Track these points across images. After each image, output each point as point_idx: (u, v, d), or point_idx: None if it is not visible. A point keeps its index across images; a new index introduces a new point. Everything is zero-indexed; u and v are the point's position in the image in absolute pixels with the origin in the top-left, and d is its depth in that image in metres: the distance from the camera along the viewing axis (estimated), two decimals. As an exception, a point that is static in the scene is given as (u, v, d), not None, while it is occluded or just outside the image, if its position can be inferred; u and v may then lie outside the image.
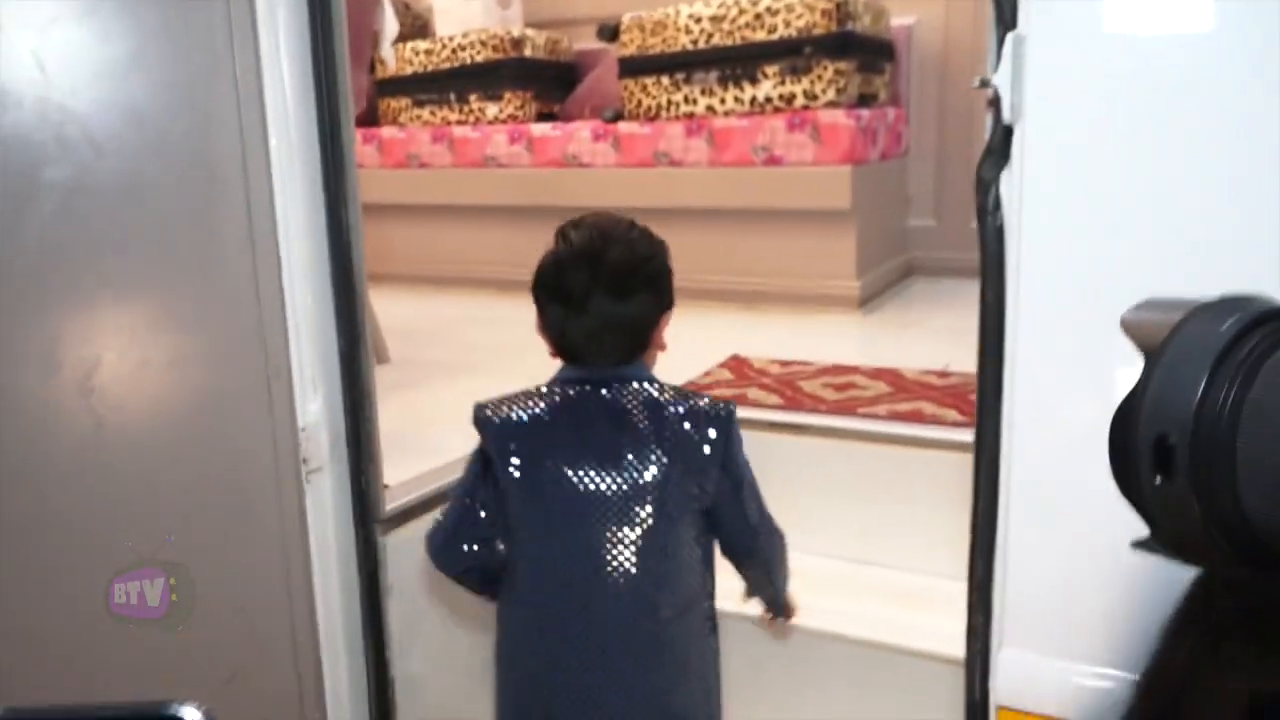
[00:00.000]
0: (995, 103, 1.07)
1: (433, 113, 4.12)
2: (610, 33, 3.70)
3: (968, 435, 1.18)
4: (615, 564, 1.23)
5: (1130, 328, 0.32)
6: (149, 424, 1.30)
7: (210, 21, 1.30)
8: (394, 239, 4.03)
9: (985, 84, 1.07)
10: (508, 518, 1.28)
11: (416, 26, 4.59)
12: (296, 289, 1.45)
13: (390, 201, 3.97)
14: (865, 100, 3.37)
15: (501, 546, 1.30)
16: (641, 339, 1.28)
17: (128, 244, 1.25)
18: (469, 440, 1.33)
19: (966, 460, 1.13)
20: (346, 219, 1.51)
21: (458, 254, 4.00)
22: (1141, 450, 0.35)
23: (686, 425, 1.24)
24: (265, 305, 1.41)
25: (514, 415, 1.27)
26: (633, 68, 3.58)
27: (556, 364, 1.34)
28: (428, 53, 4.09)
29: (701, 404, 1.27)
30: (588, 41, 4.16)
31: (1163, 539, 0.36)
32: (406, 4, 4.59)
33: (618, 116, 3.63)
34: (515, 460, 1.25)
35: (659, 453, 1.23)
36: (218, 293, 1.37)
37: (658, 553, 1.24)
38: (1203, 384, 0.34)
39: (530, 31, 4.06)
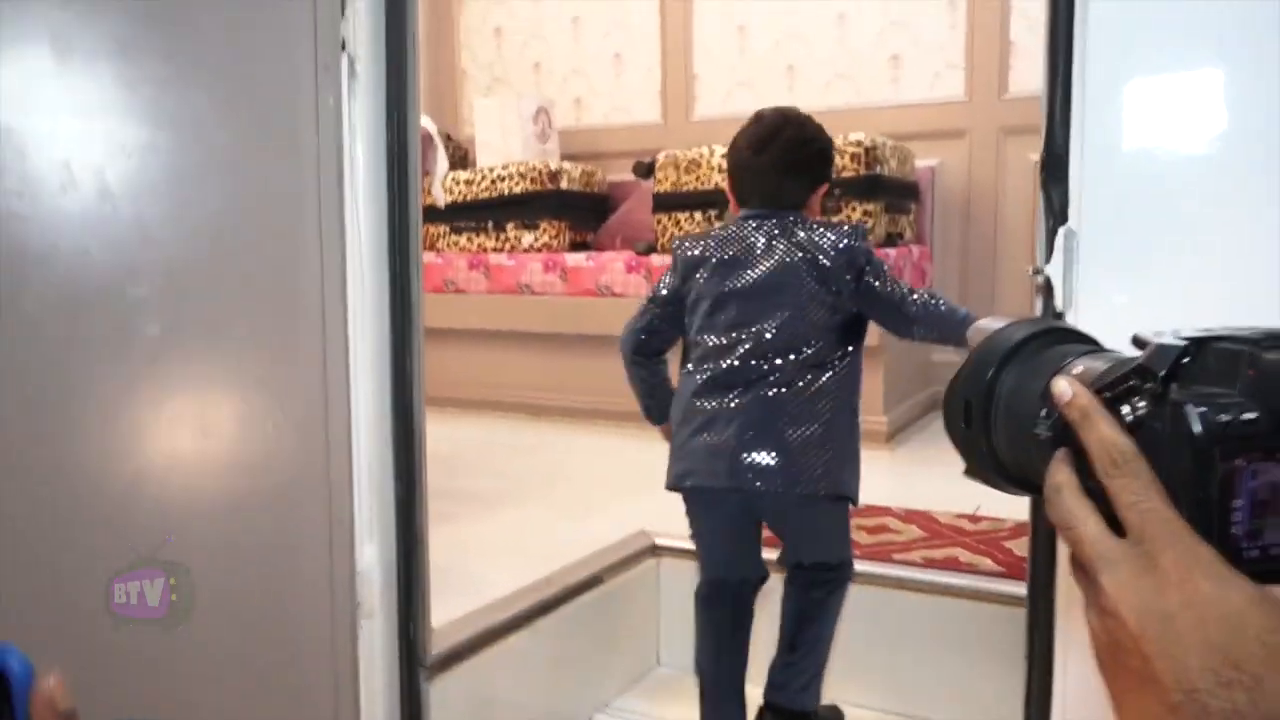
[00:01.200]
0: (1047, 290, 1.13)
1: (470, 239, 4.24)
2: (646, 169, 3.84)
3: (1005, 585, 1.19)
4: None
5: (969, 334, 0.55)
6: (214, 578, 1.32)
7: (300, 176, 1.38)
8: (428, 361, 4.09)
9: (1038, 273, 1.13)
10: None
11: (457, 156, 4.78)
12: (361, 437, 1.50)
13: (425, 325, 4.05)
14: (891, 239, 3.47)
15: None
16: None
17: (204, 385, 1.29)
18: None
19: (1006, 611, 1.15)
20: (410, 369, 1.56)
21: (490, 378, 4.06)
22: (955, 408, 0.52)
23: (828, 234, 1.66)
24: (333, 453, 1.45)
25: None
26: (666, 203, 3.71)
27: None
28: (468, 183, 4.23)
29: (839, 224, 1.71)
30: (621, 174, 4.31)
31: (970, 471, 0.53)
32: (449, 135, 4.79)
33: (650, 249, 3.73)
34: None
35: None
36: (287, 439, 1.41)
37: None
38: (991, 369, 0.51)
39: (567, 164, 4.22)
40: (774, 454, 1.60)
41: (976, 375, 0.52)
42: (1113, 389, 0.46)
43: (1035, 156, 3.40)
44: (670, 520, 1.89)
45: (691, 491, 1.70)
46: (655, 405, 1.86)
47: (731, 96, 4.25)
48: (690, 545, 1.80)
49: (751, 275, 1.66)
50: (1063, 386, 0.47)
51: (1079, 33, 1.05)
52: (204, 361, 1.30)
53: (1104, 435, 0.44)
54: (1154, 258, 1.05)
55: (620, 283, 3.75)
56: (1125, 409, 0.45)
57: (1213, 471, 0.42)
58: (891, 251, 3.34)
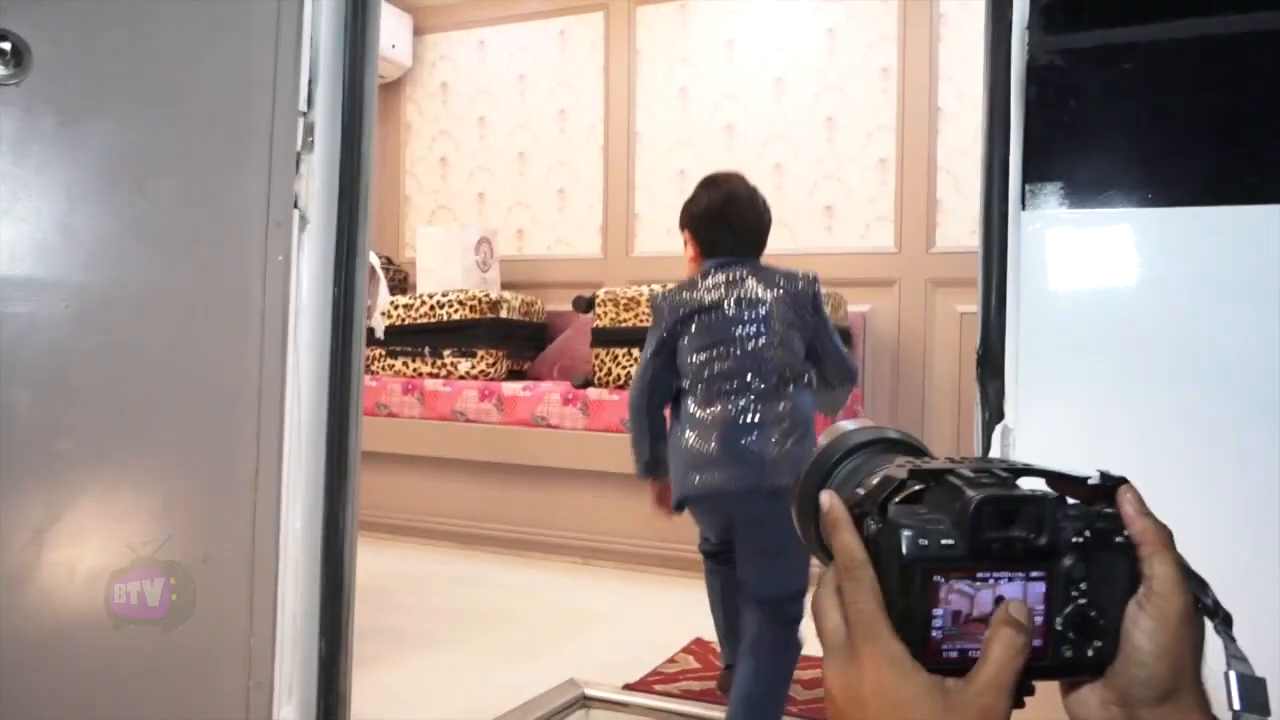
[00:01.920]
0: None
1: (406, 364, 4.21)
2: (586, 304, 3.88)
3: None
4: None
5: (824, 434, 0.61)
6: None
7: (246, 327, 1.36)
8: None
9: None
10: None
11: (397, 280, 4.79)
12: (288, 599, 1.44)
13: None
14: (825, 383, 3.53)
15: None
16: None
17: (126, 520, 1.24)
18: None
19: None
20: (344, 527, 1.52)
21: (421, 505, 3.98)
22: (799, 492, 0.60)
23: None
24: (257, 617, 1.39)
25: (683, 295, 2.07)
26: (605, 338, 3.74)
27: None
28: (407, 307, 4.23)
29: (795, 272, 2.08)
30: (561, 304, 4.36)
31: (806, 547, 0.60)
32: (389, 259, 4.80)
33: (587, 383, 3.74)
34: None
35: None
36: (210, 607, 1.35)
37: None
38: (828, 464, 0.60)
39: (507, 294, 4.26)
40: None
41: (815, 468, 0.60)
42: (861, 505, 0.54)
43: (961, 308, 3.49)
44: (602, 668, 1.86)
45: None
46: (654, 459, 2.11)
47: (671, 235, 4.36)
48: (619, 696, 1.83)
49: (740, 311, 1.99)
50: (823, 500, 0.55)
51: (1013, 233, 1.11)
52: (130, 491, 1.25)
53: (843, 544, 0.53)
54: (1074, 395, 1.08)
55: (556, 414, 3.74)
56: (868, 523, 0.52)
57: (914, 584, 0.49)
58: (824, 395, 3.40)
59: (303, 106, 1.45)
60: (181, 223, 1.28)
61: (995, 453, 1.10)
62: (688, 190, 2.22)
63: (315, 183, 1.48)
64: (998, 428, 1.09)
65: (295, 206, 1.43)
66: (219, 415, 1.34)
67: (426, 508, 3.97)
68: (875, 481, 0.54)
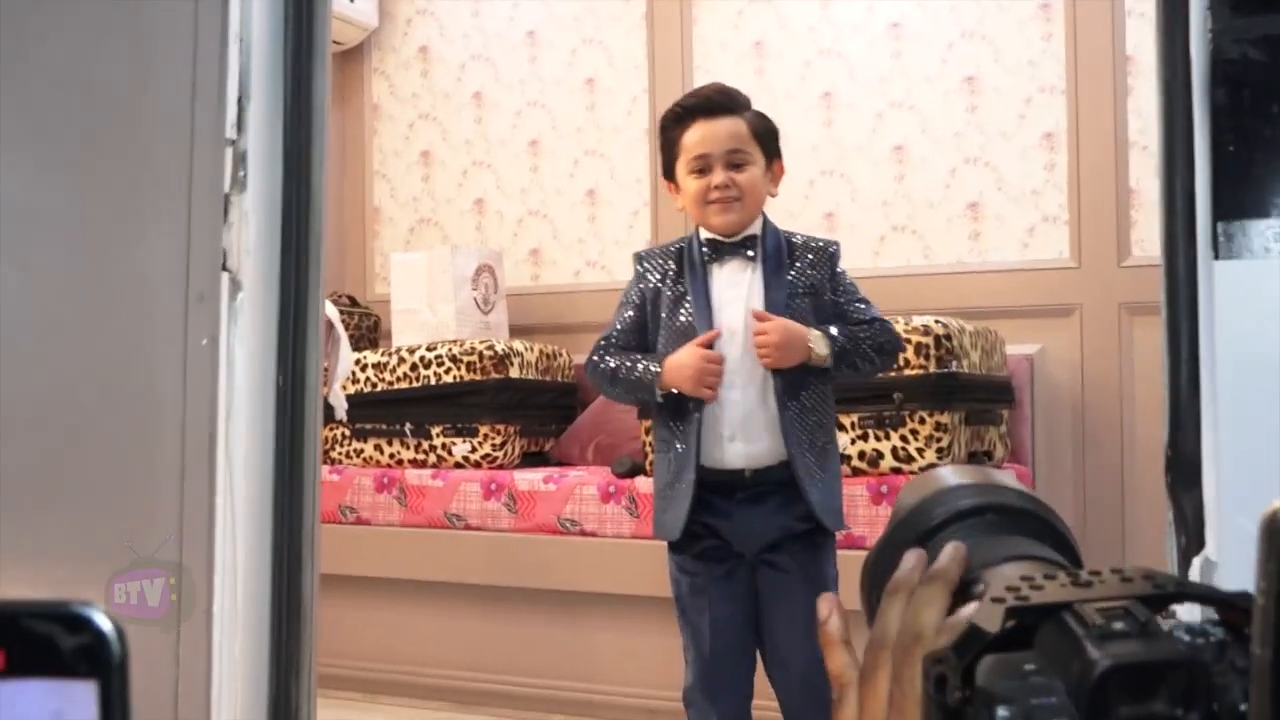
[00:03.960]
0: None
1: (379, 448, 4.29)
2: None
3: None
4: None
5: (905, 487, 0.67)
6: None
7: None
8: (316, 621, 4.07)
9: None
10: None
11: (364, 329, 4.88)
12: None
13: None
14: (976, 460, 3.55)
15: None
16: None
17: None
18: None
19: None
20: (296, 702, 1.59)
21: (404, 650, 4.04)
22: (866, 577, 0.68)
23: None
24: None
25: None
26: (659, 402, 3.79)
27: None
28: (379, 368, 4.31)
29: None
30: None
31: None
32: (352, 300, 4.92)
33: (635, 470, 3.78)
34: None
35: None
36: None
37: None
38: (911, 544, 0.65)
39: (519, 344, 4.31)
40: None
41: (901, 532, 0.65)
42: (939, 662, 0.54)
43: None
44: None
45: None
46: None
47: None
48: None
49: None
50: (822, 610, 0.65)
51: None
52: None
53: (834, 667, 0.64)
54: None
55: (593, 516, 3.78)
56: (948, 689, 0.53)
57: None
58: (976, 479, 3.41)
59: (230, 132, 1.54)
60: (68, 306, 1.37)
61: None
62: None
63: (250, 233, 1.56)
64: (1196, 560, 1.13)
65: (224, 268, 1.52)
66: (125, 560, 1.42)
67: (412, 654, 4.02)
68: (963, 628, 0.54)
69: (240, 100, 1.55)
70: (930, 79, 4.30)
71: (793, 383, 2.47)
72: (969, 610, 0.58)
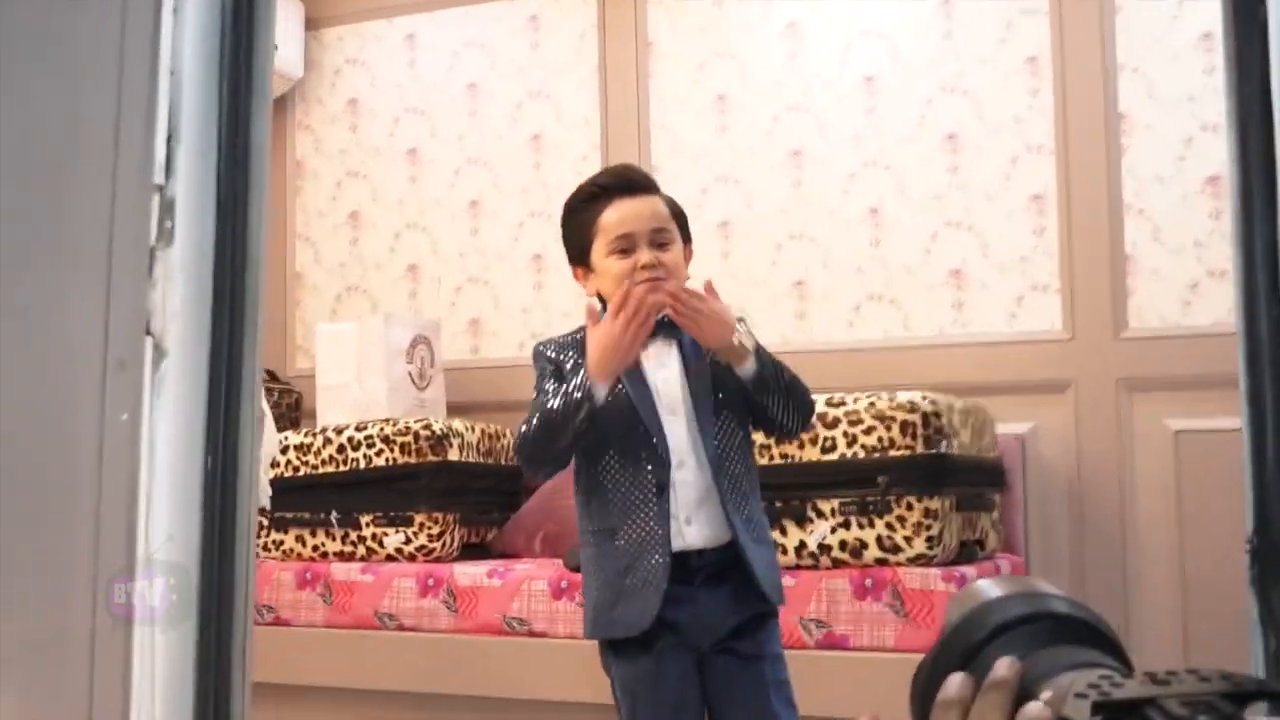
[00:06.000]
0: None
1: (301, 540, 4.20)
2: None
3: None
4: None
5: (951, 602, 0.70)
6: None
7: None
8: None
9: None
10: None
11: (286, 407, 4.81)
12: None
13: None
14: (969, 551, 3.50)
15: None
16: None
17: None
18: None
19: None
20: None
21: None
22: (917, 691, 0.71)
23: None
24: None
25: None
26: (616, 490, 3.72)
27: None
28: (301, 450, 4.24)
29: None
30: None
31: None
32: (272, 375, 4.84)
33: (590, 562, 3.70)
34: None
35: None
36: None
37: None
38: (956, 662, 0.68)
39: (458, 424, 4.25)
40: None
41: (948, 648, 0.67)
42: None
43: (1175, 423, 3.49)
44: None
45: None
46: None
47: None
48: None
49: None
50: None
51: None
52: None
53: None
54: None
55: (544, 614, 3.72)
56: None
57: None
58: (971, 569, 3.36)
59: (159, 177, 1.47)
60: None
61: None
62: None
63: (177, 293, 1.49)
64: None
65: (148, 333, 1.44)
66: (32, 677, 1.32)
67: (339, 770, 3.92)
68: None
69: (169, 140, 1.48)
70: (908, 137, 4.32)
71: (719, 455, 2.44)
72: (1034, 709, 0.61)
